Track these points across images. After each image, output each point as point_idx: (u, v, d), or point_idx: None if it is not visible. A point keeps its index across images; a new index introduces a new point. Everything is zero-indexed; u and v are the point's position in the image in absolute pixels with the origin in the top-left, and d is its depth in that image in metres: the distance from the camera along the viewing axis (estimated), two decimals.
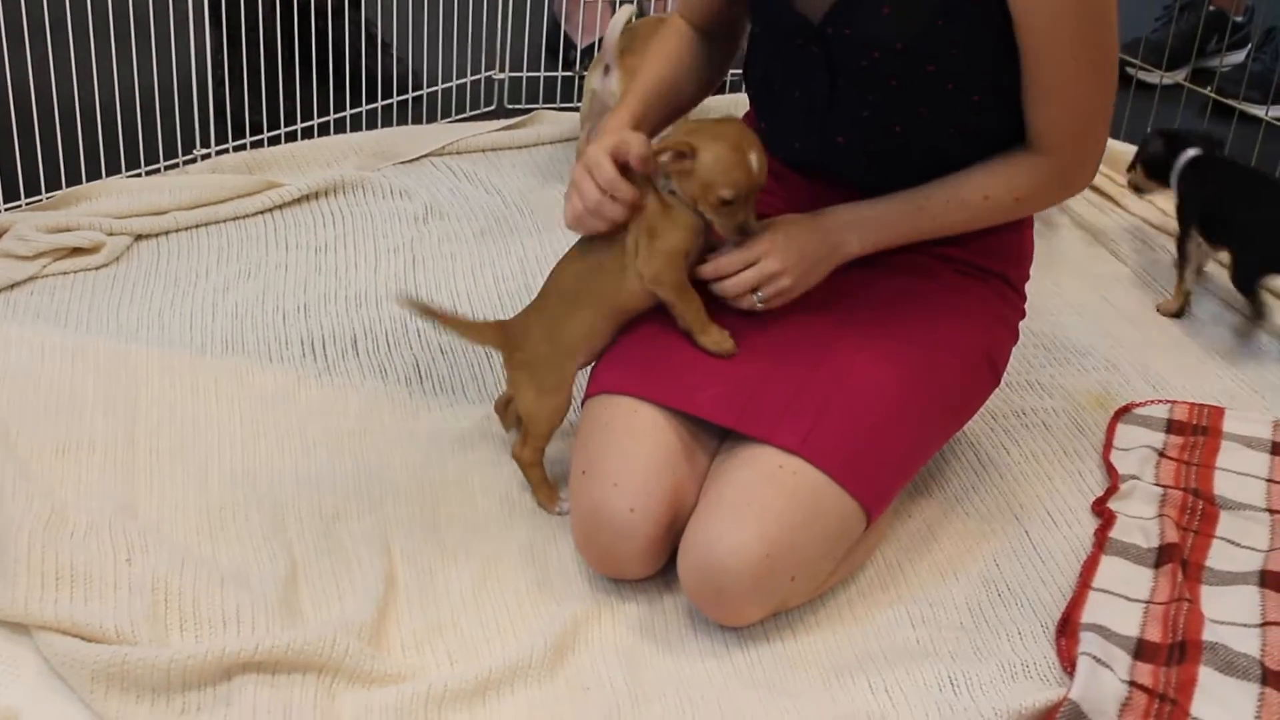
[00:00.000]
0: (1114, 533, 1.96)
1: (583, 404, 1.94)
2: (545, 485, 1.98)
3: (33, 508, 1.85)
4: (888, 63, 1.81)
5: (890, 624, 1.82)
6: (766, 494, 1.74)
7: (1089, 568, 1.90)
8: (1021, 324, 2.03)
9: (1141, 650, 1.76)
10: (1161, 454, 2.14)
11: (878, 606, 1.85)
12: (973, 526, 2.00)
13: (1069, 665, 1.73)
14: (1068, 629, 1.79)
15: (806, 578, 1.77)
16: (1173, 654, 1.75)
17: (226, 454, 2.05)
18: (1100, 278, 2.70)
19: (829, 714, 1.67)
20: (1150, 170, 2.67)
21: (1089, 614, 1.81)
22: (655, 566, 1.83)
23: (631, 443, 1.81)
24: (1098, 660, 1.71)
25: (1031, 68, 1.79)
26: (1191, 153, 2.61)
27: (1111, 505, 2.02)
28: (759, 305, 1.84)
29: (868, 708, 1.68)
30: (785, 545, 1.72)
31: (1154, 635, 1.78)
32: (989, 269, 1.96)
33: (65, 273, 2.48)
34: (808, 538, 1.74)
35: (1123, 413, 2.25)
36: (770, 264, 1.82)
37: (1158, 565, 1.90)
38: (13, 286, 2.42)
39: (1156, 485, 2.06)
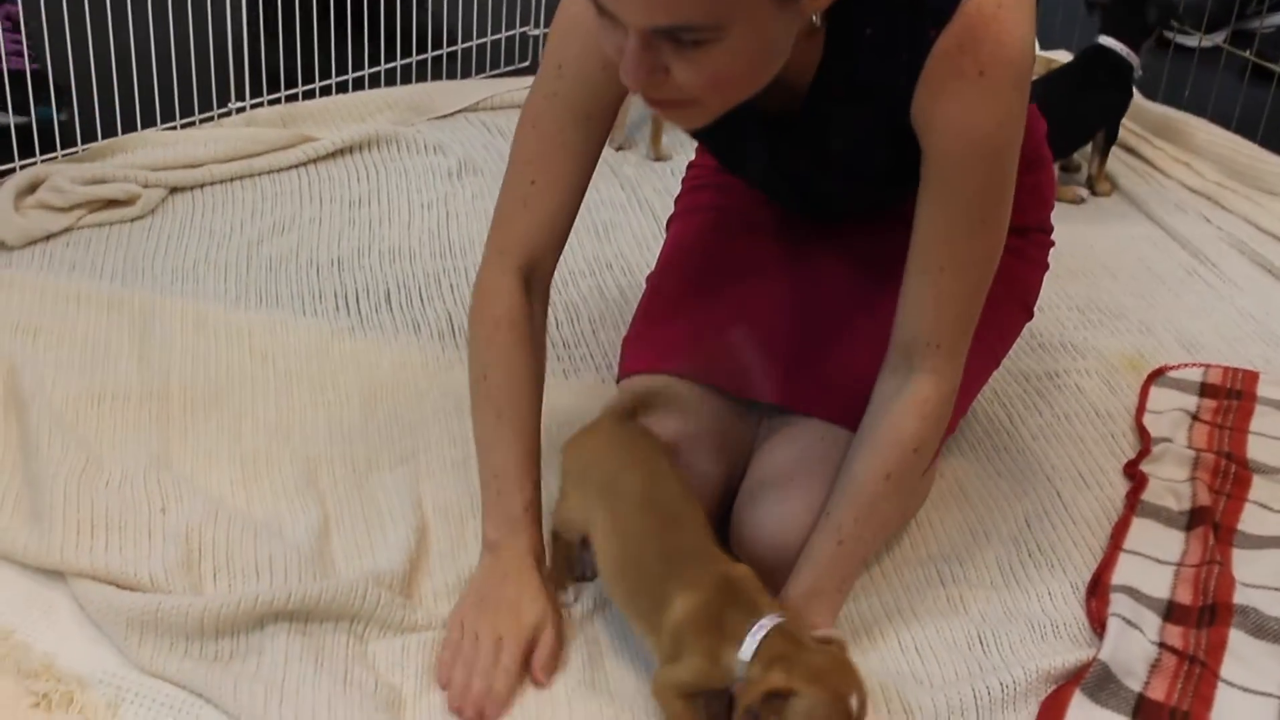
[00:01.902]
0: (1146, 495, 1.96)
1: (617, 382, 1.93)
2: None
3: (68, 457, 1.87)
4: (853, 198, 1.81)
5: (920, 583, 1.82)
6: (810, 466, 1.74)
7: (1120, 529, 1.90)
8: (1056, 286, 2.01)
9: (1172, 612, 1.76)
10: (1195, 417, 2.13)
11: (908, 565, 1.85)
12: (1004, 487, 2.00)
13: (1099, 626, 1.73)
14: (1098, 590, 1.79)
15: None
16: (1203, 617, 1.75)
17: (260, 406, 2.06)
18: (1135, 240, 2.69)
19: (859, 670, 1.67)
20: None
21: (1119, 575, 1.81)
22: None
23: (677, 421, 1.79)
24: (1127, 622, 1.71)
25: (923, 227, 1.62)
26: (1106, 40, 2.74)
27: (1143, 468, 2.01)
28: None
29: (897, 665, 1.69)
30: None
31: (1184, 598, 1.78)
32: (1013, 226, 1.94)
33: (100, 224, 2.49)
34: None
35: (1156, 375, 2.24)
36: None
37: (1189, 528, 1.90)
38: (48, 238, 2.43)
39: (1189, 448, 2.06)
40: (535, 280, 1.76)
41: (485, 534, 1.72)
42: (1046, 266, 1.99)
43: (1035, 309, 1.99)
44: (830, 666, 1.49)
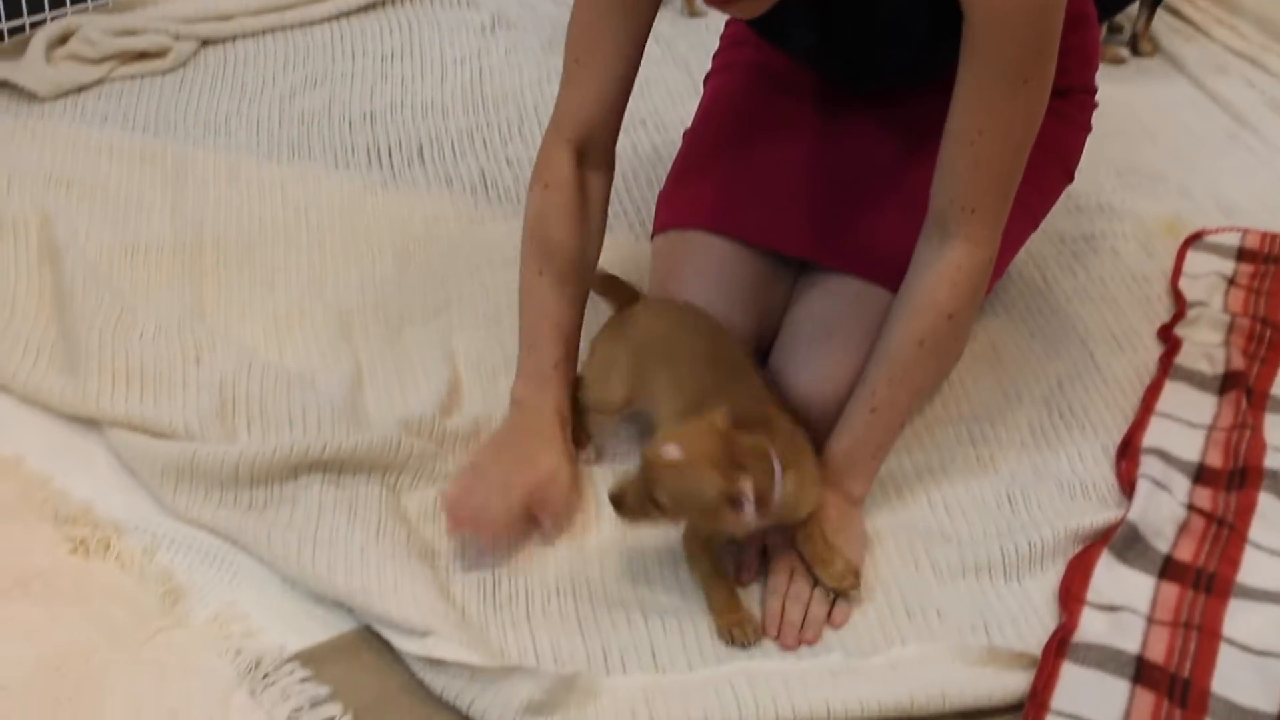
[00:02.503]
0: (1179, 358, 1.95)
1: (652, 238, 1.93)
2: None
3: (102, 308, 1.88)
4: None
5: (950, 441, 1.82)
6: (847, 323, 1.74)
7: (1152, 392, 1.90)
8: (1095, 148, 1.98)
9: (1202, 475, 1.76)
10: (1231, 282, 2.12)
11: (938, 424, 1.85)
12: (1037, 348, 1.99)
13: (1128, 487, 1.73)
14: (1128, 452, 1.79)
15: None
16: (1233, 480, 1.75)
17: (293, 259, 2.06)
18: (1176, 103, 2.65)
19: (886, 528, 1.69)
20: None
21: (1150, 438, 1.81)
22: None
23: (712, 276, 1.80)
24: (1157, 483, 1.71)
25: (962, 97, 1.58)
26: None
27: (1178, 331, 2.00)
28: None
29: (925, 522, 1.70)
30: None
31: (1215, 461, 1.78)
32: (1056, 88, 1.92)
33: (132, 77, 2.48)
34: None
35: (1193, 239, 2.22)
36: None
37: (1222, 392, 1.89)
38: (80, 90, 2.42)
39: (1224, 313, 2.04)
40: (590, 152, 1.76)
41: (513, 390, 1.73)
42: (1089, 129, 1.97)
43: (1075, 172, 1.97)
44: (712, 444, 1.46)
